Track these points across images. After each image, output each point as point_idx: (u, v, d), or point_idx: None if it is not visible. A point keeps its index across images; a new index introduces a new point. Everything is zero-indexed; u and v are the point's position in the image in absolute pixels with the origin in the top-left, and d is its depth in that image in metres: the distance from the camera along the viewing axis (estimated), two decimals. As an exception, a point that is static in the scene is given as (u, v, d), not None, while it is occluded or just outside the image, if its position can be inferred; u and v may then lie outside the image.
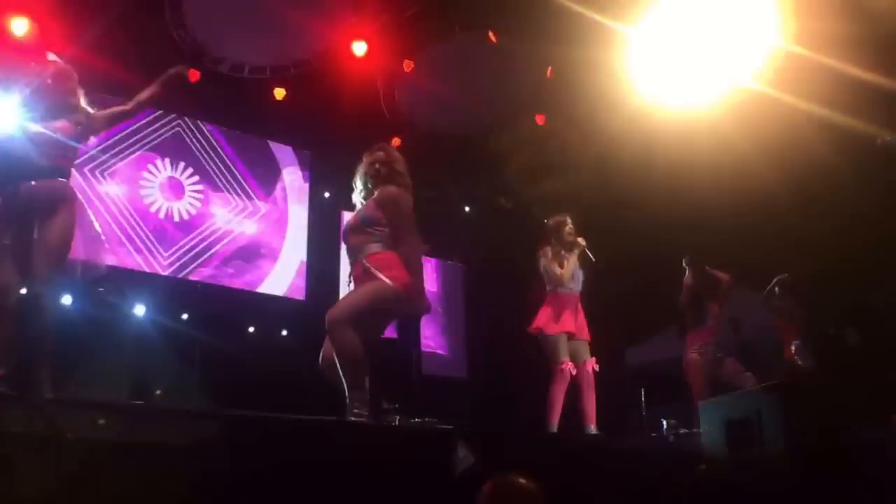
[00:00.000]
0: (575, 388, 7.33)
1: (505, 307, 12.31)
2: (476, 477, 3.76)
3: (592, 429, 7.17)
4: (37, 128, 5.03)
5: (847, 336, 9.59)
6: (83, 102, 5.44)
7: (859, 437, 4.35)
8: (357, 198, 5.80)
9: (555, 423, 7.20)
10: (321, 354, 5.25)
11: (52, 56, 5.51)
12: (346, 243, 5.61)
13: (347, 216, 11.77)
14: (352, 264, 5.53)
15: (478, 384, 12.51)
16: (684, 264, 8.59)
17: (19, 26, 8.75)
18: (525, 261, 8.77)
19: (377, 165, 5.63)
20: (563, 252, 7.67)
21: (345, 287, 11.53)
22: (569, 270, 7.57)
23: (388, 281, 5.10)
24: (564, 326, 7.39)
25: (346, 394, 4.84)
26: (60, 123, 5.13)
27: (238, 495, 3.49)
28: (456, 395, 12.13)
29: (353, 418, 4.63)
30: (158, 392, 8.74)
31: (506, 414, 10.53)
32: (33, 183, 4.96)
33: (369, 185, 5.67)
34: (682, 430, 7.06)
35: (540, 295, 7.83)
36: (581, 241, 7.66)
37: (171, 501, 3.33)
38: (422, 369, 11.81)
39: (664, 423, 7.62)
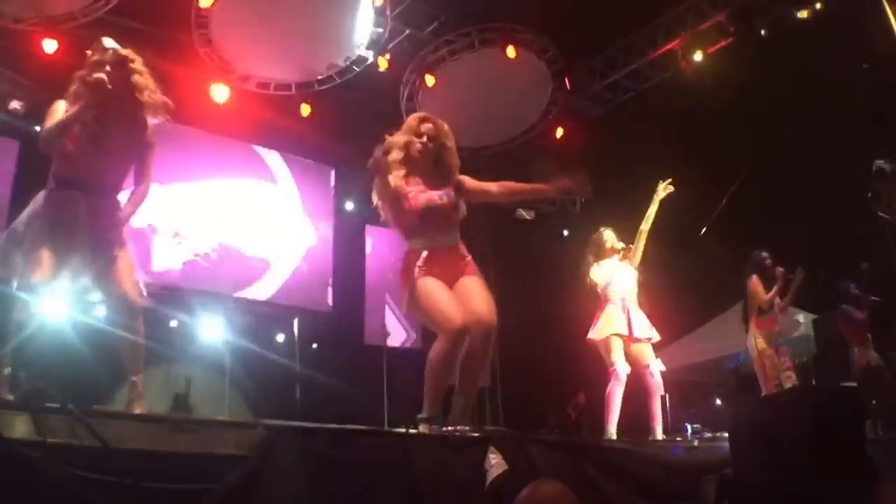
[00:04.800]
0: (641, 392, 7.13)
1: (526, 316, 12.39)
2: (508, 484, 3.84)
3: (657, 432, 6.98)
4: None
5: None
6: None
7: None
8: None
9: (611, 425, 6.97)
10: (443, 359, 4.78)
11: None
12: (430, 220, 4.96)
13: (373, 229, 12.12)
14: (437, 246, 4.97)
15: (501, 391, 12.57)
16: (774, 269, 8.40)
17: (49, 45, 9.01)
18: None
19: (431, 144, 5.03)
20: (602, 258, 7.49)
21: (366, 297, 11.97)
22: (606, 275, 7.37)
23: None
24: (611, 329, 7.17)
25: (463, 398, 4.83)
26: None
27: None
28: (479, 403, 12.21)
29: (456, 426, 4.66)
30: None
31: (529, 421, 10.59)
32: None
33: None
34: (707, 435, 7.04)
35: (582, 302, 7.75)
36: (619, 245, 7.47)
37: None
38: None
39: (688, 427, 7.60)
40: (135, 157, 4.77)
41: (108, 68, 4.58)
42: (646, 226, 7.49)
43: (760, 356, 8.03)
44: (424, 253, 4.91)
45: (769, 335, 8.07)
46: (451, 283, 4.90)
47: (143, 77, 4.72)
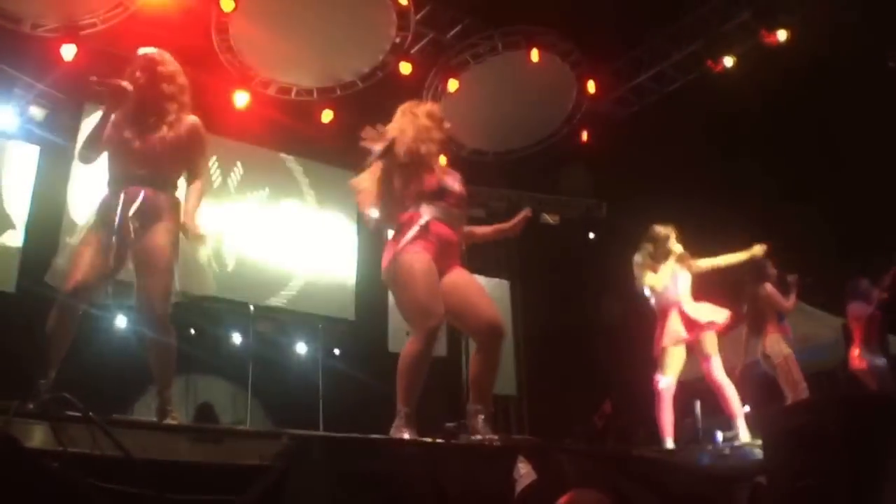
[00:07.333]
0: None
1: (551, 323, 12.29)
2: (538, 494, 3.77)
3: (738, 427, 6.83)
4: None
5: None
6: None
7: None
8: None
9: (665, 436, 6.86)
10: (417, 361, 4.52)
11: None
12: (457, 209, 4.83)
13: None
14: (443, 220, 4.71)
15: (526, 400, 12.48)
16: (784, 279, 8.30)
17: (68, 52, 9.04)
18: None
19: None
20: (659, 260, 7.14)
21: (389, 304, 11.86)
22: (664, 278, 7.05)
23: None
24: (669, 340, 6.97)
25: (482, 407, 4.62)
26: None
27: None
28: (504, 412, 12.13)
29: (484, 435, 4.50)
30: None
31: (555, 430, 10.50)
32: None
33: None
34: (738, 443, 6.93)
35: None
36: (677, 251, 7.15)
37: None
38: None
39: (719, 434, 7.50)
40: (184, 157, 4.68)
41: (137, 74, 4.58)
42: (723, 261, 7.41)
43: (787, 361, 7.81)
44: (427, 217, 4.64)
45: (789, 341, 7.93)
46: (442, 269, 4.62)
47: (169, 86, 4.62)
